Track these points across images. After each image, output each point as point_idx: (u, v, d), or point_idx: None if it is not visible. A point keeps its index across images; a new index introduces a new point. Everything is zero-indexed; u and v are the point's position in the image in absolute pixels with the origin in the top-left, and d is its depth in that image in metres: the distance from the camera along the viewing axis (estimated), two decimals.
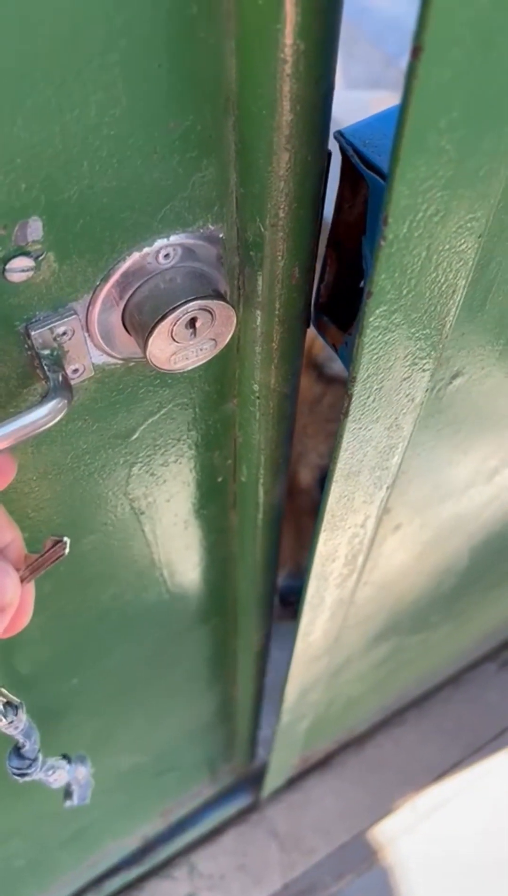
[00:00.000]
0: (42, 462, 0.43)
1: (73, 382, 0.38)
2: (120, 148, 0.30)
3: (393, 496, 0.54)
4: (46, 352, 0.36)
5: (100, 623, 0.62)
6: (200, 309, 0.36)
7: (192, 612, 0.74)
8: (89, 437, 0.44)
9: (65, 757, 0.57)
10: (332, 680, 0.98)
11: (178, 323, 0.36)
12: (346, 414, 0.41)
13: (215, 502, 0.59)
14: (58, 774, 0.57)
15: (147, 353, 0.36)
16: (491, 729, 1.59)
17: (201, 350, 0.38)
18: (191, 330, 0.37)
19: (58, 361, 0.36)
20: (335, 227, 0.42)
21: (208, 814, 1.45)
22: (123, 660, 0.72)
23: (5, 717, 0.47)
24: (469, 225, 0.33)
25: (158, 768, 1.15)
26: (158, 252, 0.35)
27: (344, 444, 0.44)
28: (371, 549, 0.61)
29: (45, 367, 0.36)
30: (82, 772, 0.58)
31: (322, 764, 1.54)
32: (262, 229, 0.36)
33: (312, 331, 0.45)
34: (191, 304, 0.35)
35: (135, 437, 0.46)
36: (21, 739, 0.50)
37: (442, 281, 0.36)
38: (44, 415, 0.35)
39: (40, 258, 0.32)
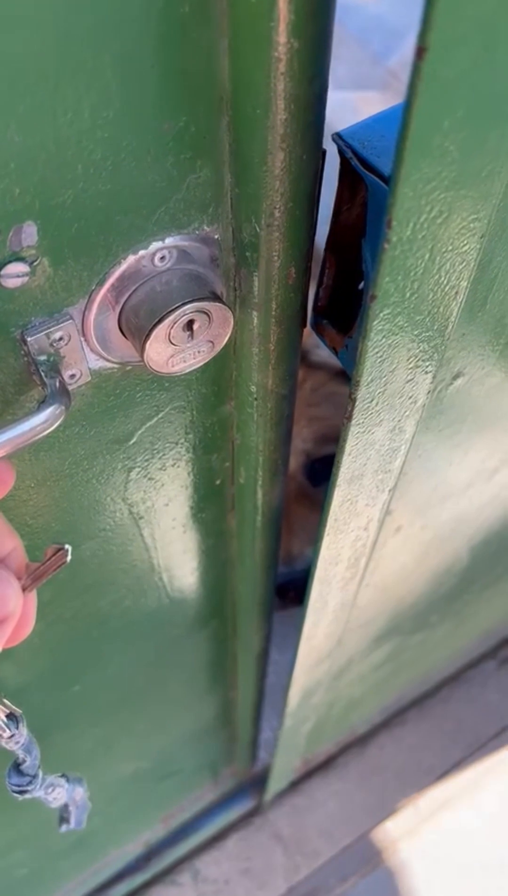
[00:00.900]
0: (40, 469, 0.43)
1: (70, 388, 0.37)
2: (114, 150, 0.30)
3: (395, 498, 0.54)
4: (43, 358, 0.35)
5: (99, 629, 0.62)
6: (197, 311, 0.35)
7: (191, 616, 0.73)
8: (87, 443, 0.43)
9: (63, 776, 0.56)
10: (334, 682, 0.98)
11: (175, 326, 0.35)
12: (349, 418, 0.41)
13: (213, 505, 0.58)
14: (57, 793, 0.55)
15: (144, 357, 0.36)
16: (492, 727, 1.60)
17: (199, 352, 0.38)
18: (188, 332, 0.36)
19: (54, 367, 0.36)
20: (334, 230, 0.42)
21: (211, 818, 1.45)
22: (124, 665, 0.72)
23: (7, 729, 0.46)
24: (471, 225, 0.33)
25: (160, 773, 1.15)
26: (153, 255, 0.35)
27: (348, 449, 0.44)
28: (373, 551, 0.61)
29: (42, 373, 0.35)
30: (80, 793, 0.57)
31: (324, 766, 1.53)
32: (258, 230, 0.36)
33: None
34: (188, 306, 0.35)
35: (133, 441, 0.46)
36: (21, 755, 0.49)
37: (445, 282, 0.36)
38: (42, 421, 0.34)
39: (35, 263, 0.32)
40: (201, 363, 0.39)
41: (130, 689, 0.78)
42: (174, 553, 0.60)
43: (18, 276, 0.32)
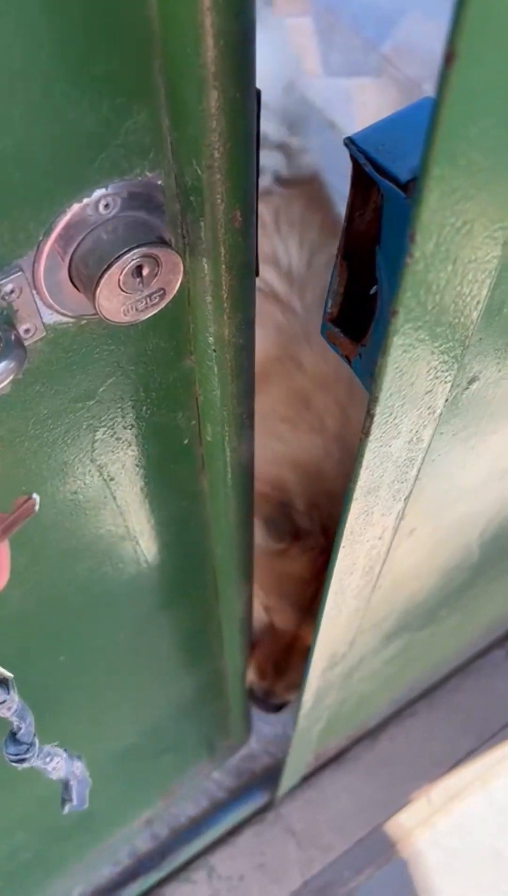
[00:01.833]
0: (4, 429, 0.43)
1: (26, 343, 0.38)
2: (49, 95, 0.31)
3: (409, 505, 0.54)
4: None
5: (80, 596, 0.63)
6: (144, 256, 0.36)
7: (173, 582, 0.74)
8: (49, 402, 0.44)
9: (60, 747, 0.56)
10: (345, 682, 0.98)
11: (124, 272, 0.36)
12: (367, 433, 0.40)
13: (183, 466, 0.59)
14: (56, 763, 0.55)
15: (97, 306, 0.37)
16: (503, 716, 1.59)
17: (152, 300, 0.39)
18: (138, 279, 0.37)
19: (8, 321, 0.36)
20: (346, 237, 0.40)
21: (224, 815, 1.45)
22: (109, 634, 0.73)
23: None
24: (495, 234, 0.32)
25: (156, 749, 1.16)
26: (97, 202, 0.35)
27: (365, 463, 0.43)
28: (387, 557, 0.61)
29: None
30: (79, 766, 0.57)
31: (335, 760, 1.53)
32: (199, 172, 0.36)
33: None
34: (135, 251, 0.35)
35: (95, 399, 0.46)
36: (16, 722, 0.49)
37: (467, 293, 0.35)
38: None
39: None
40: (155, 311, 0.39)
41: (118, 660, 0.79)
42: (148, 517, 0.61)
43: None
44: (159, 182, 0.37)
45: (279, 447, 1.11)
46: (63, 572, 0.58)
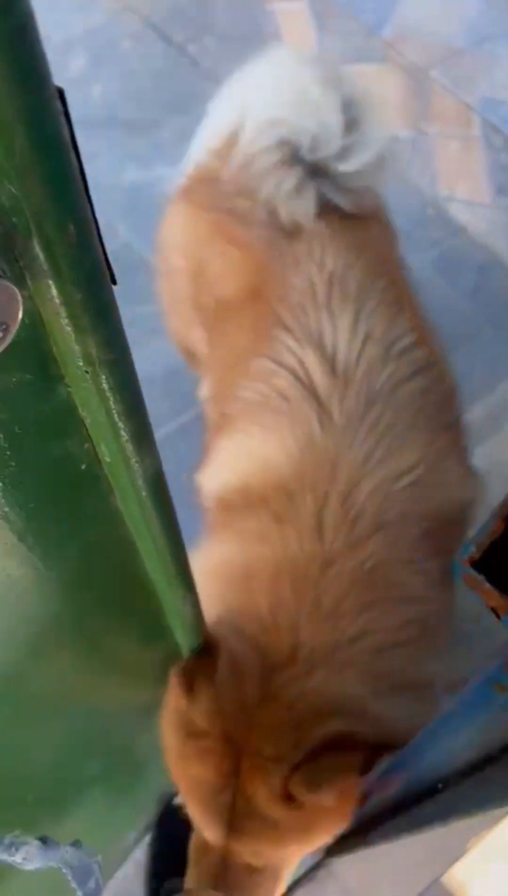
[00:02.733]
0: None
1: None
2: None
3: None
4: None
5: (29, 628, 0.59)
6: None
7: (118, 609, 0.71)
8: None
9: (41, 839, 0.52)
10: None
11: None
12: None
13: (89, 491, 0.56)
14: (25, 852, 0.51)
15: None
16: None
17: None
18: None
19: None
20: None
21: None
22: (55, 676, 0.70)
23: None
24: None
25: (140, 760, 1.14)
26: None
27: None
28: None
29: None
30: (70, 851, 0.53)
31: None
32: (13, 190, 0.33)
33: None
34: None
35: None
36: None
37: None
38: None
39: None
40: (3, 346, 0.36)
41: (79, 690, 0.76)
42: (61, 548, 0.57)
43: None
44: None
45: None
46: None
